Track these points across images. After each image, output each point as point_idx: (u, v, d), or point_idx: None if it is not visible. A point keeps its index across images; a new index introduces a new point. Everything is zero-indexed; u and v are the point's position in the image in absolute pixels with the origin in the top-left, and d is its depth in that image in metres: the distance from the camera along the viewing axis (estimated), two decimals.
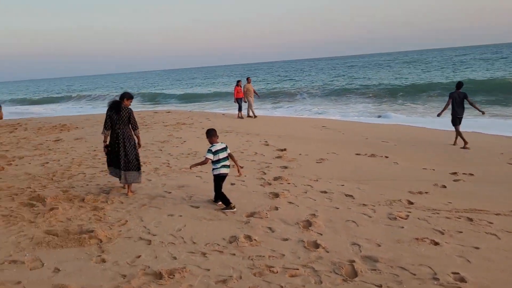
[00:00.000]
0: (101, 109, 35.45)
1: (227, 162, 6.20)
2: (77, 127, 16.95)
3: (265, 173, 8.34)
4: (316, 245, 4.77)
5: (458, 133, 11.56)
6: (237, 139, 12.61)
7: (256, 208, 6.12)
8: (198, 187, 7.35)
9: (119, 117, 6.94)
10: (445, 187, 7.38)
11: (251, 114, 19.25)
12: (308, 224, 5.44)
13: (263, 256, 4.49)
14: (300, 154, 10.23)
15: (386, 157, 10.04)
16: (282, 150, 10.79)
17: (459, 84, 11.70)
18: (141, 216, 5.84)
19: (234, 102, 19.35)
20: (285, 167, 8.85)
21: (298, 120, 19.99)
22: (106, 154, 7.19)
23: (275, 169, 8.70)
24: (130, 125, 7.07)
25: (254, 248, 4.74)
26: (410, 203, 6.40)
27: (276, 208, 6.10)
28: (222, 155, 6.13)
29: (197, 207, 6.21)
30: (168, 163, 9.39)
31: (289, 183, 7.54)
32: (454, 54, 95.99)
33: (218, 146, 6.14)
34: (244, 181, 7.74)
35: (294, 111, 25.76)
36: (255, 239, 4.93)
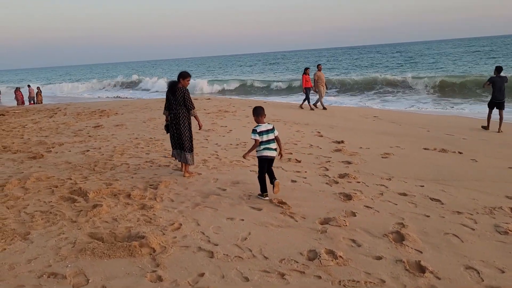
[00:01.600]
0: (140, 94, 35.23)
1: (272, 145, 5.69)
2: (116, 113, 16.44)
3: (327, 169, 7.38)
4: (421, 268, 3.78)
5: (490, 116, 12.10)
6: (285, 129, 11.66)
7: (329, 213, 5.18)
8: (256, 183, 6.44)
9: (175, 98, 6.86)
10: None
11: (319, 105, 17.43)
12: (399, 238, 4.46)
13: (358, 282, 3.55)
14: (360, 148, 9.19)
15: (460, 152, 8.85)
16: (339, 142, 9.77)
17: (499, 69, 11.96)
18: (196, 219, 5.01)
19: (303, 92, 17.54)
20: (348, 162, 7.85)
21: (343, 109, 18.84)
22: (167, 133, 7.25)
23: (337, 165, 7.71)
24: (185, 106, 6.88)
25: (342, 268, 3.80)
26: None
27: (354, 214, 5.13)
28: (266, 137, 5.66)
29: (259, 210, 5.33)
30: (217, 155, 8.56)
31: (358, 182, 6.55)
32: None
33: (263, 127, 5.68)
34: (306, 178, 6.80)
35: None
36: (340, 256, 4.00)
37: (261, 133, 5.64)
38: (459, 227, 4.75)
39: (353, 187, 6.27)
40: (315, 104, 17.40)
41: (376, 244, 4.29)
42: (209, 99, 21.11)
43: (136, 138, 10.63)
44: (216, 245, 4.29)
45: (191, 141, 7.03)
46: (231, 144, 9.59)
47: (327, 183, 6.50)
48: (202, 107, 17.15)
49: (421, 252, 4.12)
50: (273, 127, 5.78)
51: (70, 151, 9.40)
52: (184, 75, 6.92)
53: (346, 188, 6.23)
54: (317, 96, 17.38)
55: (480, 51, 62.58)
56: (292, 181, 6.62)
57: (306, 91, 17.06)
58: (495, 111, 12.13)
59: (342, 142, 9.73)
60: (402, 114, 16.44)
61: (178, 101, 6.86)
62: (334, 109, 18.50)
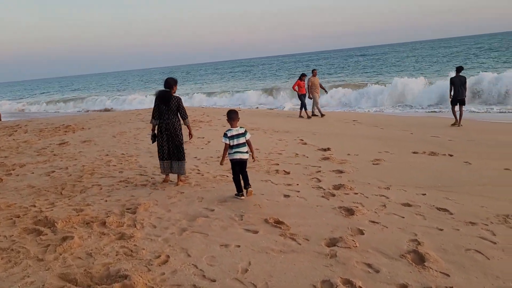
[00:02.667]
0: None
1: (242, 149, 5.90)
2: (83, 128, 15.47)
3: (319, 180, 6.86)
4: None
5: (456, 113, 13.15)
6: (266, 138, 11.13)
7: (334, 231, 4.64)
8: (246, 200, 5.87)
9: (168, 107, 6.69)
10: None
11: (316, 112, 16.43)
12: (419, 258, 3.95)
13: None
14: (348, 155, 8.74)
15: (450, 155, 8.54)
16: (325, 149, 9.30)
17: (459, 69, 13.12)
18: (185, 248, 4.36)
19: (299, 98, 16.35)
20: (340, 171, 7.36)
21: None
22: (153, 142, 6.99)
23: (329, 174, 7.21)
24: (179, 114, 6.82)
25: None
26: None
27: (361, 232, 4.61)
28: (237, 140, 5.85)
29: (256, 232, 4.73)
30: (198, 170, 7.91)
31: (356, 193, 6.06)
32: None
33: (234, 131, 5.86)
34: (299, 191, 6.26)
35: None
36: (360, 286, 3.45)
37: (232, 137, 5.82)
38: (478, 241, 4.31)
39: (352, 200, 5.76)
40: (312, 112, 16.49)
41: (396, 268, 3.77)
42: None
43: (107, 155, 9.82)
44: (214, 281, 3.66)
45: (183, 149, 6.94)
46: (211, 157, 8.95)
47: (323, 196, 5.97)
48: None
49: (448, 276, 3.62)
50: (245, 131, 5.90)
51: (33, 173, 8.52)
52: (175, 82, 6.83)
53: (345, 201, 5.72)
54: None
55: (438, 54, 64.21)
56: (285, 195, 6.05)
57: (301, 97, 16.11)
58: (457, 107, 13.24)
59: (329, 149, 9.26)
60: (381, 117, 16.27)
61: (172, 110, 6.70)
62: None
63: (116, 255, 4.27)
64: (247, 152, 5.93)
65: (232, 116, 5.91)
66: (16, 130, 16.36)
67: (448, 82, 13.49)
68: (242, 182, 5.98)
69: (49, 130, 15.44)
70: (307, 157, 8.66)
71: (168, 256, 4.17)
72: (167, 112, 6.70)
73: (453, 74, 13.67)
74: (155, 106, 6.82)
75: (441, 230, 4.62)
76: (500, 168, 7.37)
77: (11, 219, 5.58)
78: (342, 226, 4.78)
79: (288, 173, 7.40)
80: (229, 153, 5.92)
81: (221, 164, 6.26)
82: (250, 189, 5.86)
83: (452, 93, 13.03)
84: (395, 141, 10.53)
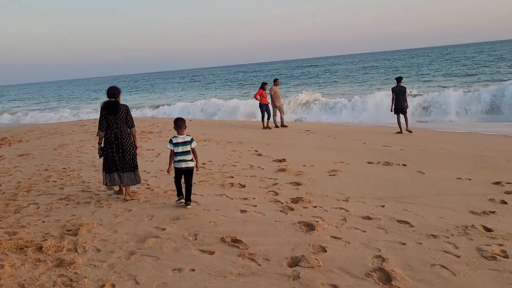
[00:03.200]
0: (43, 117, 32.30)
1: (187, 157, 5.92)
2: (20, 140, 14.36)
3: (276, 193, 6.60)
4: None
5: (400, 121, 13.72)
6: (220, 149, 10.77)
7: (295, 249, 4.37)
8: (200, 217, 5.49)
9: (116, 117, 6.44)
10: (506, 202, 5.97)
11: (277, 122, 15.79)
12: (385, 277, 3.76)
13: None
14: (304, 166, 8.57)
15: (404, 165, 8.59)
16: (280, 160, 9.09)
17: (399, 79, 13.84)
18: (133, 275, 3.91)
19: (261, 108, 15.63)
20: (297, 184, 7.15)
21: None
22: (101, 157, 6.63)
23: (286, 187, 6.97)
24: (126, 123, 6.56)
25: None
26: (488, 229, 4.90)
27: (324, 249, 4.36)
28: (182, 148, 5.88)
29: (212, 253, 4.36)
30: (148, 184, 7.42)
31: (315, 207, 5.85)
32: None
33: (180, 139, 5.90)
34: (256, 206, 5.95)
35: None
36: None
37: (177, 144, 5.84)
38: (442, 255, 4.19)
39: (312, 213, 5.54)
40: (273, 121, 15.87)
41: None
42: None
43: (46, 170, 9.05)
44: None
45: (136, 159, 6.71)
46: (161, 170, 8.46)
47: (281, 211, 5.70)
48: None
49: None
50: (191, 139, 5.94)
51: None
52: (119, 91, 6.66)
53: (304, 215, 5.49)
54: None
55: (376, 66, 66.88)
56: (242, 211, 5.73)
57: (262, 108, 15.47)
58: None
59: (284, 160, 9.06)
60: (333, 127, 16.39)
61: (121, 119, 6.47)
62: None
63: (54, 285, 3.75)
64: (192, 160, 5.93)
65: (179, 123, 5.92)
66: None
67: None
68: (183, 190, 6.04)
69: None
70: (263, 168, 8.40)
71: (114, 285, 3.72)
72: (116, 122, 6.43)
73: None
74: (101, 117, 6.49)
75: (404, 244, 4.48)
76: (452, 178, 7.47)
77: None
78: (304, 243, 4.52)
79: (244, 186, 7.09)
80: (174, 161, 5.89)
81: (168, 172, 6.15)
82: (189, 206, 5.88)
83: (393, 103, 13.58)
84: (349, 151, 10.53)
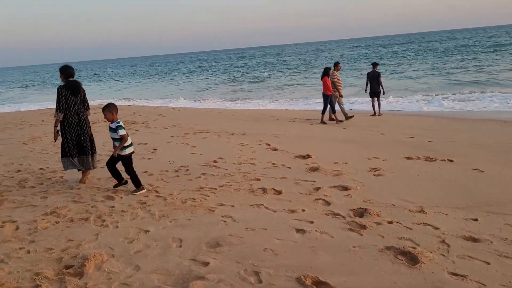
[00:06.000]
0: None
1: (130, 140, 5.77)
2: None
3: (328, 202, 5.25)
4: None
5: (374, 104, 14.56)
6: (224, 143, 9.29)
7: None
8: (248, 242, 4.08)
9: (76, 98, 6.22)
10: None
11: (336, 115, 12.96)
12: None
13: None
14: (336, 163, 7.26)
15: (450, 160, 7.41)
16: (304, 157, 7.72)
17: (374, 64, 14.52)
18: None
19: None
20: (345, 188, 5.82)
21: (248, 112, 16.92)
22: (56, 140, 6.39)
23: (333, 193, 5.63)
24: (83, 105, 6.39)
25: None
26: None
27: None
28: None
29: None
30: (157, 191, 5.88)
31: (390, 222, 4.54)
32: None
33: (122, 122, 5.71)
34: (312, 222, 4.59)
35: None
36: None
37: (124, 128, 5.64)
38: None
39: (394, 233, 4.23)
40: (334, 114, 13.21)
41: None
42: None
43: (19, 171, 7.32)
44: None
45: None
46: (167, 171, 6.93)
47: (351, 229, 4.36)
48: (100, 118, 13.79)
49: None
50: None
51: None
52: (74, 69, 6.35)
53: (386, 236, 4.17)
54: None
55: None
56: (298, 230, 4.35)
57: (327, 99, 12.58)
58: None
59: (309, 156, 7.69)
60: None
61: (80, 101, 6.28)
62: (239, 112, 16.46)
63: None
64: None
65: (115, 108, 5.67)
66: None
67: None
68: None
69: None
70: (289, 167, 7.01)
71: None
72: (77, 103, 6.20)
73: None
74: (61, 97, 6.09)
75: None
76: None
77: None
78: (420, 287, 3.20)
79: (280, 192, 5.69)
80: (126, 146, 5.66)
81: (116, 156, 5.69)
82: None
83: (368, 87, 14.32)
84: (372, 143, 9.29)
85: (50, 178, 6.71)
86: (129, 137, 5.69)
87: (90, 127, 6.46)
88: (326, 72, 12.61)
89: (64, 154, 6.26)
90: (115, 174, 5.89)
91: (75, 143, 6.23)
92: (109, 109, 5.56)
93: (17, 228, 4.68)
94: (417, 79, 27.04)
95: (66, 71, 6.20)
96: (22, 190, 6.17)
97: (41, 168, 7.41)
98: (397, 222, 4.52)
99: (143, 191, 5.72)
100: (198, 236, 4.28)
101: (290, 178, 6.37)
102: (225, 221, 4.65)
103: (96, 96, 32.60)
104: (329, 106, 12.68)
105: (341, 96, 13.15)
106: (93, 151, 6.44)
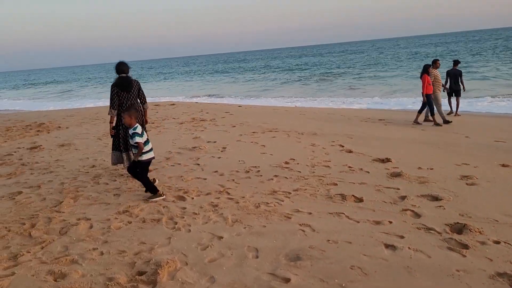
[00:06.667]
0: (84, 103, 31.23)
1: (150, 146, 5.42)
2: (59, 127, 12.93)
3: (418, 214, 4.67)
4: None
5: (452, 102, 13.67)
6: (294, 143, 8.89)
7: None
8: (334, 256, 3.65)
9: (129, 94, 6.21)
10: None
11: (432, 116, 11.65)
12: None
13: None
14: (420, 168, 6.59)
15: None
16: (383, 160, 7.13)
17: (456, 62, 13.58)
18: None
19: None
20: (435, 198, 5.19)
21: (319, 110, 16.30)
22: (113, 137, 6.35)
23: (422, 203, 5.02)
24: (139, 99, 6.36)
25: None
26: None
27: None
28: (146, 137, 5.36)
29: None
30: (228, 192, 5.63)
31: (497, 242, 3.90)
32: None
33: (140, 128, 5.32)
34: (402, 237, 4.07)
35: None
36: None
37: (142, 133, 5.28)
38: None
39: (503, 256, 3.62)
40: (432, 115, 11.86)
41: None
42: (173, 104, 17.77)
43: (94, 166, 7.43)
44: None
45: None
46: (237, 171, 6.67)
47: (450, 248, 3.80)
48: (170, 115, 13.98)
49: None
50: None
51: None
52: (128, 66, 6.30)
53: (495, 259, 3.57)
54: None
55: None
56: (388, 246, 3.86)
57: (427, 98, 11.45)
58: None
59: (389, 160, 7.09)
60: (395, 114, 14.14)
61: (134, 96, 6.26)
62: (307, 110, 15.88)
63: None
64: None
65: (134, 113, 5.30)
66: None
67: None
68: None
69: (18, 129, 12.84)
70: (368, 172, 6.48)
71: None
72: (129, 99, 6.20)
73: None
74: (113, 95, 6.15)
75: None
76: None
77: None
78: None
79: (361, 200, 5.20)
80: (146, 152, 5.30)
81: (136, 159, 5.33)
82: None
83: (448, 85, 13.44)
84: (456, 147, 8.45)
85: (122, 175, 6.70)
86: (149, 143, 5.37)
87: (146, 120, 6.49)
88: (425, 70, 11.49)
89: (114, 148, 6.35)
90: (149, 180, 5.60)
91: (122, 138, 6.23)
92: (128, 113, 5.26)
93: (91, 227, 4.61)
94: (496, 79, 24.91)
95: (118, 68, 6.21)
96: (96, 186, 6.19)
97: None
98: (505, 243, 3.88)
99: (161, 197, 5.36)
100: (275, 246, 3.94)
101: (370, 184, 5.85)
102: (303, 230, 4.27)
103: (168, 93, 33.55)
104: (427, 106, 11.65)
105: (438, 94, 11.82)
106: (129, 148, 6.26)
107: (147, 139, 5.37)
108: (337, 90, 26.98)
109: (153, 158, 5.48)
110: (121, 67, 6.19)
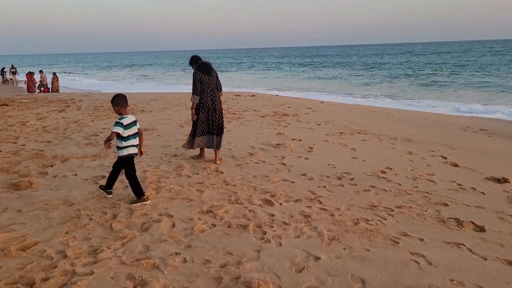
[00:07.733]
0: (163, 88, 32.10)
1: (134, 140, 4.85)
2: (143, 110, 13.05)
3: None
4: None
5: None
6: (388, 149, 8.03)
7: None
8: None
9: (210, 80, 6.41)
10: None
11: None
12: None
13: None
14: None
15: None
16: (499, 180, 6.08)
17: None
18: None
19: None
20: None
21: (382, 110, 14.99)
22: (194, 123, 6.51)
23: None
24: (217, 87, 6.55)
25: None
26: None
27: None
28: (132, 130, 4.79)
29: None
30: (320, 201, 5.02)
31: None
32: None
33: (129, 119, 4.78)
34: None
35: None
36: None
37: (128, 126, 4.74)
38: None
39: None
40: None
41: None
42: (254, 95, 17.40)
43: (175, 156, 7.17)
44: None
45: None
46: (328, 177, 6.04)
47: None
48: (250, 107, 13.60)
49: None
50: (136, 120, 4.89)
51: (76, 174, 6.04)
52: (198, 56, 6.68)
53: None
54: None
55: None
56: None
57: None
58: None
59: (506, 181, 6.05)
60: (495, 123, 12.55)
61: (214, 82, 6.47)
62: (396, 112, 14.62)
63: None
64: (137, 145, 4.94)
65: (123, 101, 4.78)
66: (69, 106, 14.28)
67: None
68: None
69: (105, 109, 13.16)
70: (483, 193, 5.53)
71: None
72: (210, 84, 6.40)
73: None
74: (196, 81, 6.35)
75: None
76: None
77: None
78: None
79: (482, 229, 4.34)
80: (121, 147, 4.77)
81: (108, 147, 4.73)
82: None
83: None
84: None
85: (205, 168, 6.34)
86: (132, 138, 4.79)
87: (222, 108, 6.66)
88: None
89: (193, 134, 6.52)
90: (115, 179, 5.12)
91: (206, 122, 6.47)
92: (113, 103, 4.78)
93: (173, 225, 4.25)
94: None
95: (194, 58, 6.62)
96: (179, 178, 5.88)
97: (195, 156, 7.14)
98: None
99: (145, 202, 4.80)
100: (385, 279, 3.28)
101: (488, 208, 4.94)
102: (417, 262, 3.56)
103: (241, 83, 33.56)
104: None
105: None
106: (220, 132, 6.56)
107: (134, 134, 4.81)
108: (425, 92, 25.18)
109: (135, 155, 4.92)
110: (196, 57, 6.66)
